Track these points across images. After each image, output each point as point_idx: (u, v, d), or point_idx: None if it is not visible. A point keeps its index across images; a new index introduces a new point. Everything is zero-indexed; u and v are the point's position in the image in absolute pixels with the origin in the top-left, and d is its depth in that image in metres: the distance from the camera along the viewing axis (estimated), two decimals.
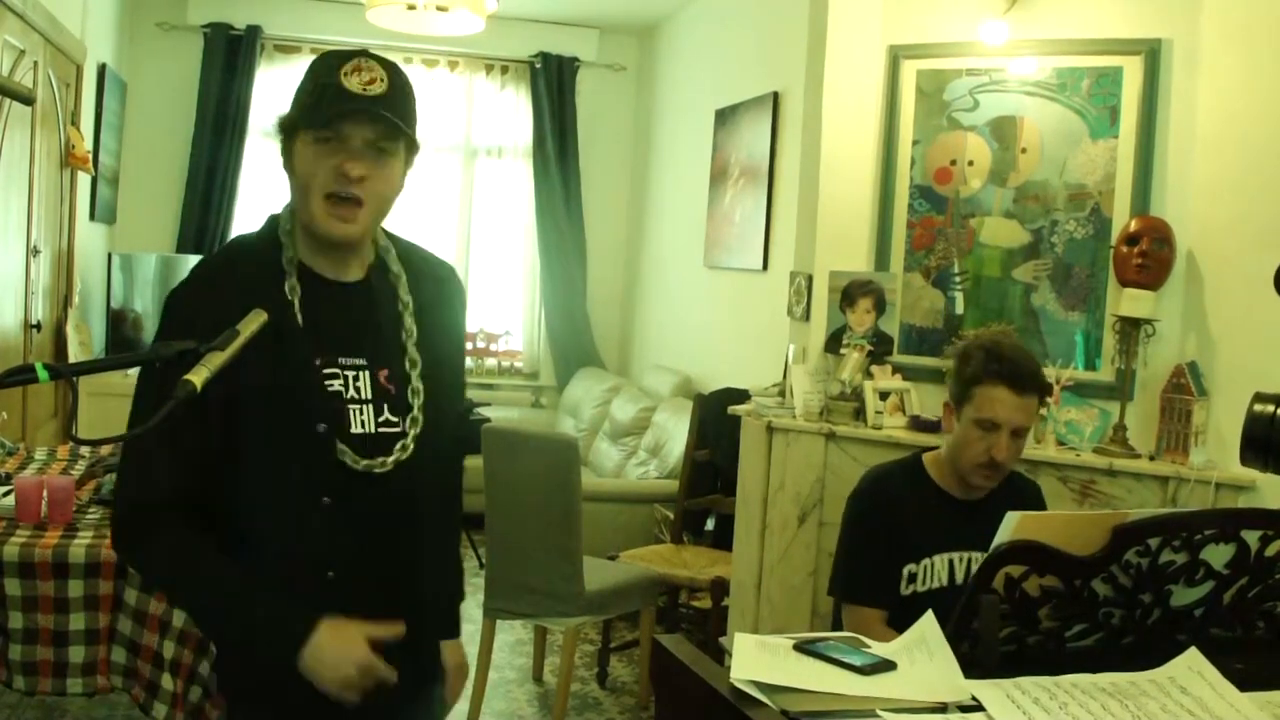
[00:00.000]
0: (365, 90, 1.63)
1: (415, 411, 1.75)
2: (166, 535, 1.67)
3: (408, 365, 1.76)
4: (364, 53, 1.68)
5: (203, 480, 1.67)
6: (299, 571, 1.70)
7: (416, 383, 1.76)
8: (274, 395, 1.65)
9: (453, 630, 1.99)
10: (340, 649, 1.63)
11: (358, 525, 1.72)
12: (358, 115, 1.63)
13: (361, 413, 1.72)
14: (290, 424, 1.67)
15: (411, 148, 1.73)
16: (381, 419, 1.73)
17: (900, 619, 2.40)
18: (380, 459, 1.71)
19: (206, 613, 1.76)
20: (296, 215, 1.73)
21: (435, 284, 1.85)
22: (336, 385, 1.71)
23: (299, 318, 1.69)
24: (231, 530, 1.70)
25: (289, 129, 1.68)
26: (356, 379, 1.72)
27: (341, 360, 1.72)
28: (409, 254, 1.84)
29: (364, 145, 1.65)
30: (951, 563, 2.50)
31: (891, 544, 2.50)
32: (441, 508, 1.90)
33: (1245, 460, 1.77)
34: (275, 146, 1.76)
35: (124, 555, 1.79)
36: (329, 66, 1.66)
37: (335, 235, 1.68)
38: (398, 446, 1.73)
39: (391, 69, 1.69)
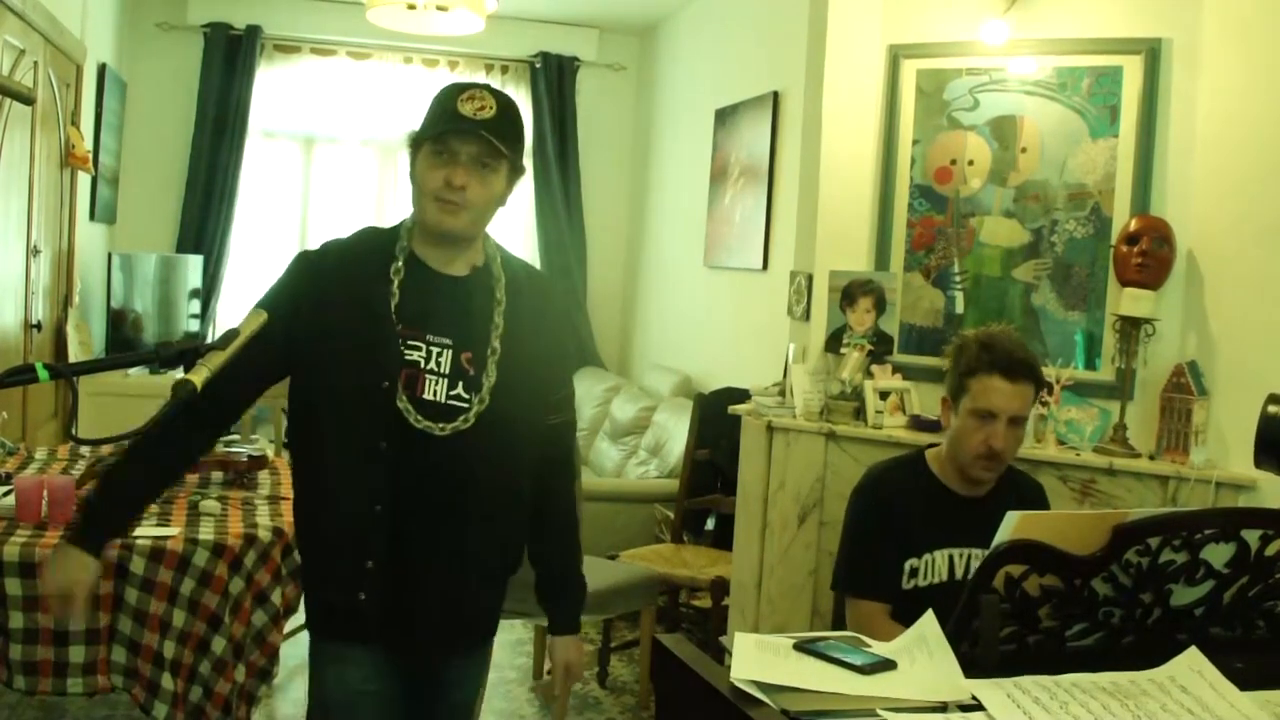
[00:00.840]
0: (475, 115, 1.94)
1: (484, 392, 2.00)
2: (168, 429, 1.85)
3: (489, 352, 2.01)
4: (485, 86, 2.00)
5: (237, 393, 2.03)
6: (353, 502, 1.98)
7: (491, 368, 2.01)
8: (353, 351, 1.96)
9: (565, 626, 2.25)
10: (70, 569, 1.98)
11: (409, 474, 1.98)
12: (464, 135, 1.94)
13: (436, 383, 1.98)
14: (362, 377, 1.96)
15: (515, 169, 2.03)
16: (453, 393, 1.99)
17: (901, 613, 2.40)
18: (440, 424, 1.97)
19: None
20: (415, 215, 2.03)
21: (537, 296, 2.13)
22: (416, 355, 1.98)
23: (395, 295, 1.98)
24: (306, 463, 2.06)
25: (415, 144, 1.99)
26: (440, 355, 2.00)
27: (429, 336, 1.99)
28: (511, 263, 2.13)
29: (469, 159, 1.95)
30: (952, 558, 2.50)
31: (893, 538, 2.51)
32: (510, 497, 2.12)
33: (1260, 463, 1.77)
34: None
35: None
36: (451, 94, 1.97)
37: (442, 228, 1.98)
38: (460, 418, 1.99)
39: (502, 99, 1.99)
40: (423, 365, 1.98)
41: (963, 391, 2.49)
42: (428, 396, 1.97)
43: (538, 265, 7.66)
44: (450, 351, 2.00)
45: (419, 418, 1.96)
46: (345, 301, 1.97)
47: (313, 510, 2.06)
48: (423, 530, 2.01)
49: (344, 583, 2.01)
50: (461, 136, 1.93)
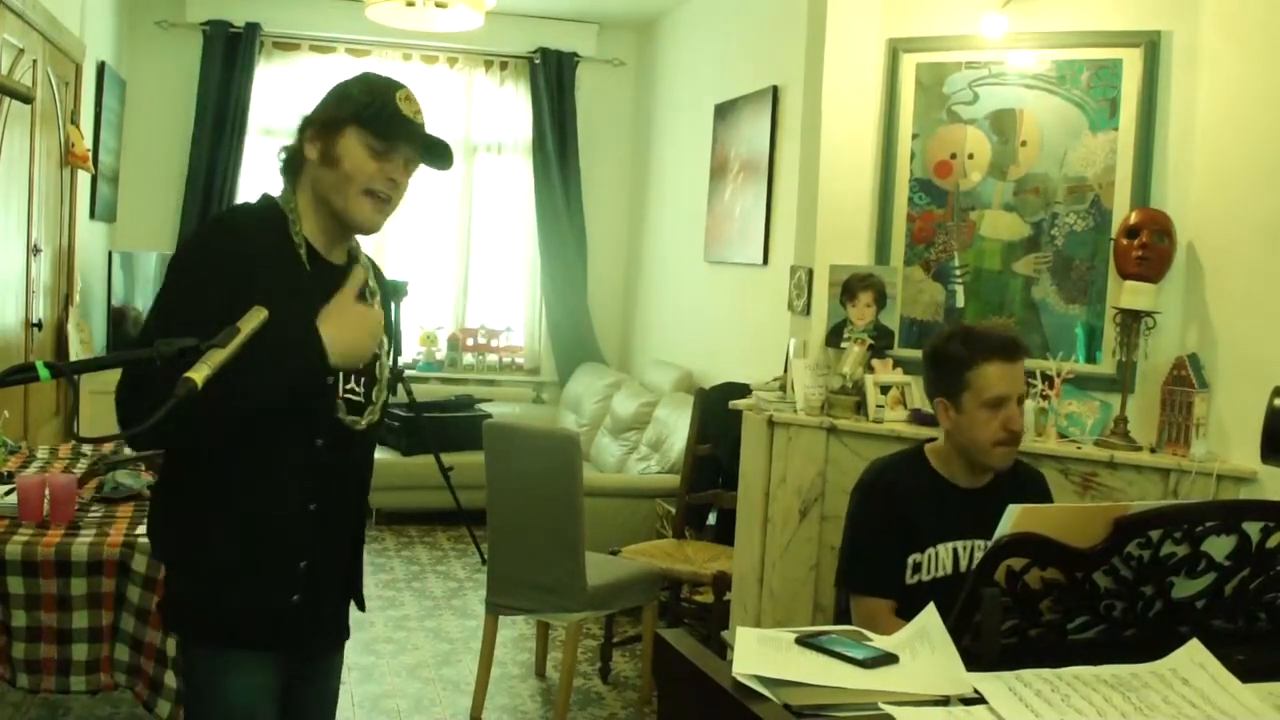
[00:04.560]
0: (416, 118, 1.95)
1: (381, 385, 2.04)
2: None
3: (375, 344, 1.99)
4: (403, 84, 1.99)
5: None
6: (290, 502, 1.93)
7: (384, 358, 2.04)
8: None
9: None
10: (351, 324, 1.89)
11: (335, 470, 1.98)
12: (416, 142, 1.94)
13: (346, 379, 1.98)
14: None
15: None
16: (349, 387, 1.98)
17: (905, 608, 2.40)
18: (355, 418, 1.98)
19: (242, 391, 1.77)
20: (306, 197, 1.96)
21: (380, 279, 2.11)
22: None
23: (308, 281, 1.91)
24: (228, 462, 1.89)
25: (337, 124, 1.92)
26: None
27: None
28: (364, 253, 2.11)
29: (405, 161, 1.95)
30: (956, 551, 2.51)
31: (896, 534, 2.51)
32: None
33: (1266, 458, 1.76)
34: (279, 141, 1.99)
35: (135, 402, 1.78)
36: (385, 86, 1.96)
37: (368, 225, 1.96)
38: (367, 411, 2.01)
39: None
40: None
41: (964, 387, 2.48)
42: (344, 390, 1.97)
43: (538, 264, 7.71)
44: None
45: (345, 413, 1.96)
46: (269, 289, 1.79)
47: (240, 511, 1.91)
48: (338, 527, 2.04)
49: (275, 585, 1.95)
50: (411, 142, 1.94)
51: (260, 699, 1.97)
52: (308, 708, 2.11)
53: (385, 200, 1.94)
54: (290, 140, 2.01)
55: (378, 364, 2.02)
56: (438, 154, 1.98)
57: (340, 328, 1.86)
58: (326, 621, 2.10)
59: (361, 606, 2.23)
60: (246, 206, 2.02)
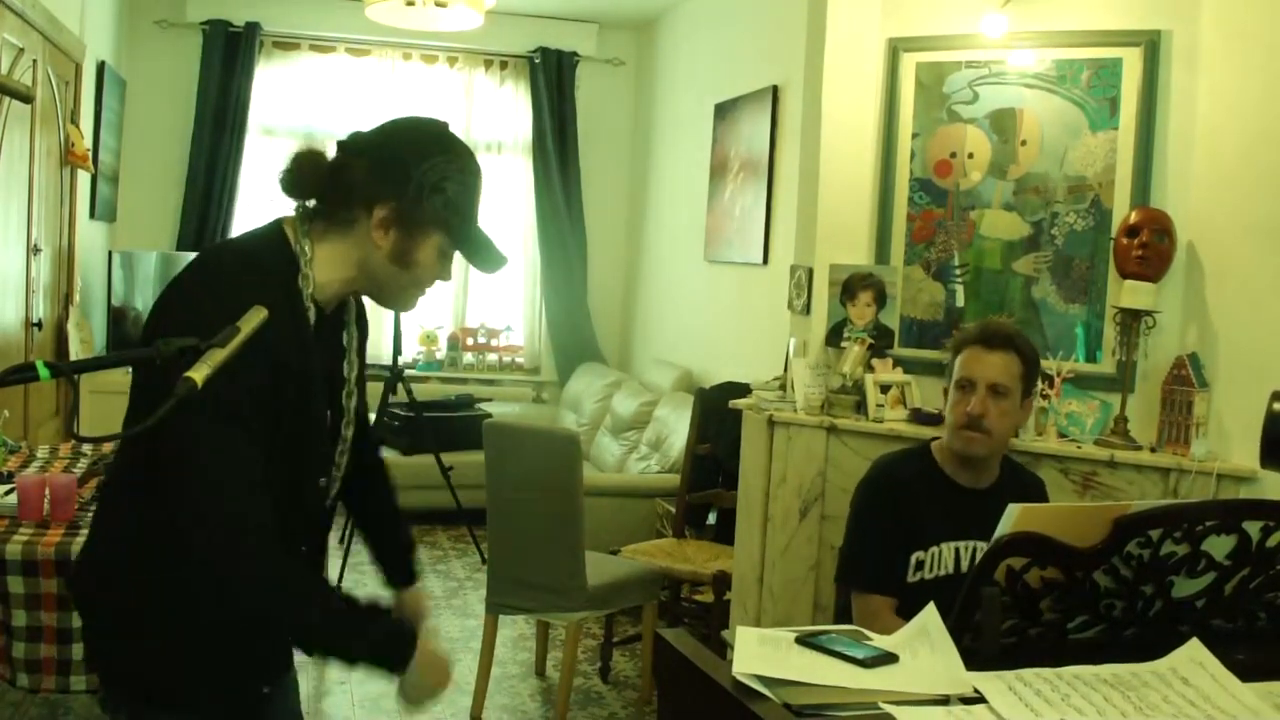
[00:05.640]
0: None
1: (350, 417, 1.85)
2: (279, 557, 1.64)
3: (353, 380, 1.85)
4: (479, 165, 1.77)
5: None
6: (299, 547, 1.80)
7: (354, 389, 1.85)
8: (309, 392, 1.69)
9: (410, 576, 2.12)
10: (438, 661, 1.78)
11: (324, 509, 1.87)
12: (495, 265, 1.81)
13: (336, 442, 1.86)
14: (318, 419, 1.76)
15: None
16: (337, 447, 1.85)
17: (907, 607, 2.40)
18: (339, 449, 1.85)
19: (322, 633, 1.69)
20: (334, 252, 1.70)
21: (361, 318, 1.91)
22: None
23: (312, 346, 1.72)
24: None
25: (424, 225, 1.69)
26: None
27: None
28: None
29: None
30: (958, 551, 2.51)
31: (899, 531, 2.51)
32: None
33: (1266, 463, 1.76)
34: (292, 147, 1.81)
35: (251, 575, 1.62)
36: (478, 181, 1.75)
37: (405, 311, 1.89)
38: (338, 451, 1.85)
39: None
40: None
41: (951, 372, 2.58)
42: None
43: (538, 263, 7.71)
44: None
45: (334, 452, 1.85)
46: (285, 347, 1.62)
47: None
48: (316, 563, 1.95)
49: (271, 658, 1.87)
50: (491, 264, 1.79)
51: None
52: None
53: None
54: (311, 150, 1.72)
55: (353, 401, 1.85)
56: (495, 267, 1.82)
57: (429, 669, 1.76)
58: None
59: None
60: (255, 249, 1.71)
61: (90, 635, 1.83)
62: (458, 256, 1.78)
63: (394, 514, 2.14)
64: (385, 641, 1.72)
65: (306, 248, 1.68)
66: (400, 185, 1.65)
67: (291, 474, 1.70)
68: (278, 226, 1.72)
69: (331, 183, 1.68)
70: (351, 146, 1.70)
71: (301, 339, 1.66)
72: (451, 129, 1.75)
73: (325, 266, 1.70)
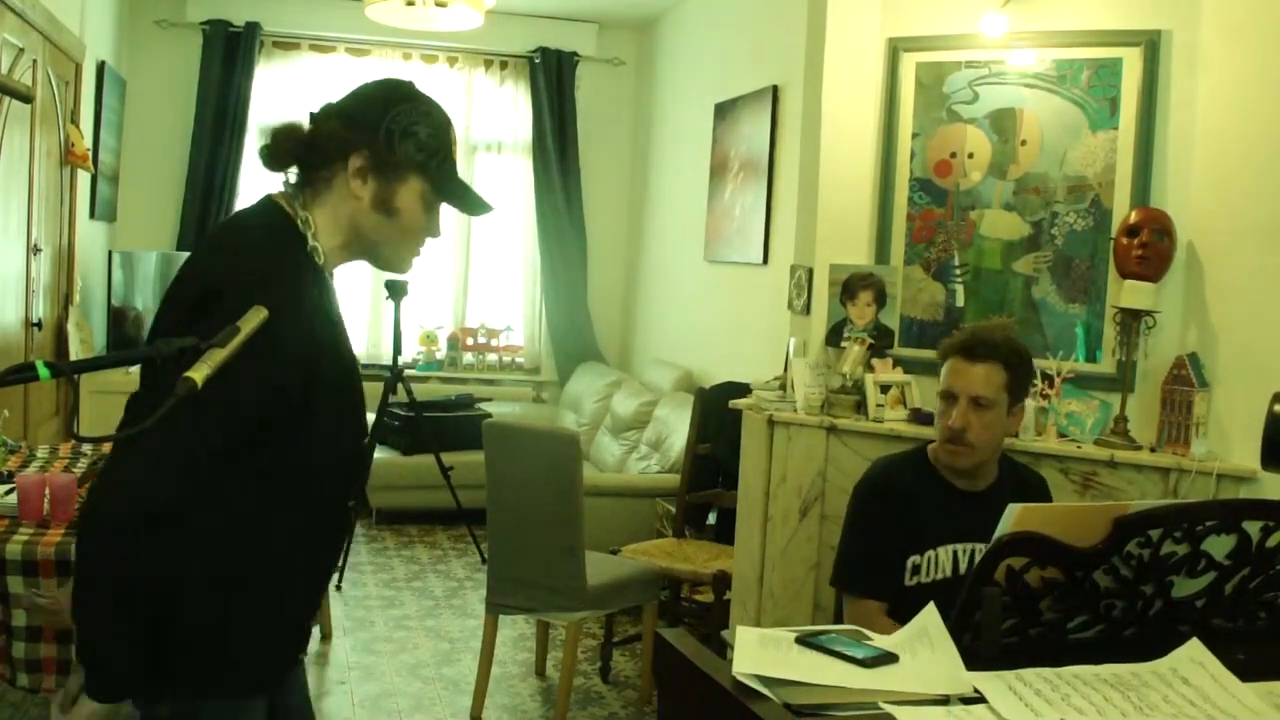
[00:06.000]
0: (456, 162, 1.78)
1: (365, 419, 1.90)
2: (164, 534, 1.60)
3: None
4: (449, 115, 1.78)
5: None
6: (323, 559, 1.82)
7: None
8: (339, 396, 1.71)
9: None
10: None
11: (347, 524, 1.88)
12: (476, 208, 1.81)
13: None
14: (347, 427, 1.77)
15: None
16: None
17: (904, 610, 2.40)
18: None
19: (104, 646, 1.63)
20: (330, 217, 1.73)
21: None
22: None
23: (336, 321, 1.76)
24: (264, 516, 1.69)
25: (399, 169, 1.71)
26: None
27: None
28: None
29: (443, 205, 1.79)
30: (955, 554, 2.50)
31: (895, 534, 2.51)
32: None
33: (1266, 464, 1.76)
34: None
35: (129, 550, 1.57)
36: (446, 125, 1.75)
37: (406, 271, 1.86)
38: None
39: None
40: None
41: (939, 379, 2.56)
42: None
43: (538, 263, 7.71)
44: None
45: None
46: (315, 334, 1.66)
47: (280, 570, 1.73)
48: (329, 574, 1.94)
49: (292, 642, 1.84)
50: (470, 207, 1.80)
51: None
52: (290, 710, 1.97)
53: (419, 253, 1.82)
54: (287, 122, 1.74)
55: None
56: (483, 208, 1.83)
57: None
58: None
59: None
60: (261, 231, 1.72)
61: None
62: (450, 214, 1.80)
63: None
64: (102, 692, 1.61)
65: (308, 217, 1.72)
66: (371, 132, 1.69)
67: (348, 446, 1.76)
68: (271, 202, 1.74)
69: (308, 146, 1.71)
70: (322, 111, 1.75)
71: (329, 310, 1.72)
72: (418, 86, 1.78)
73: (325, 230, 1.73)
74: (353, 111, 1.72)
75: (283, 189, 1.75)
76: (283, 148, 1.72)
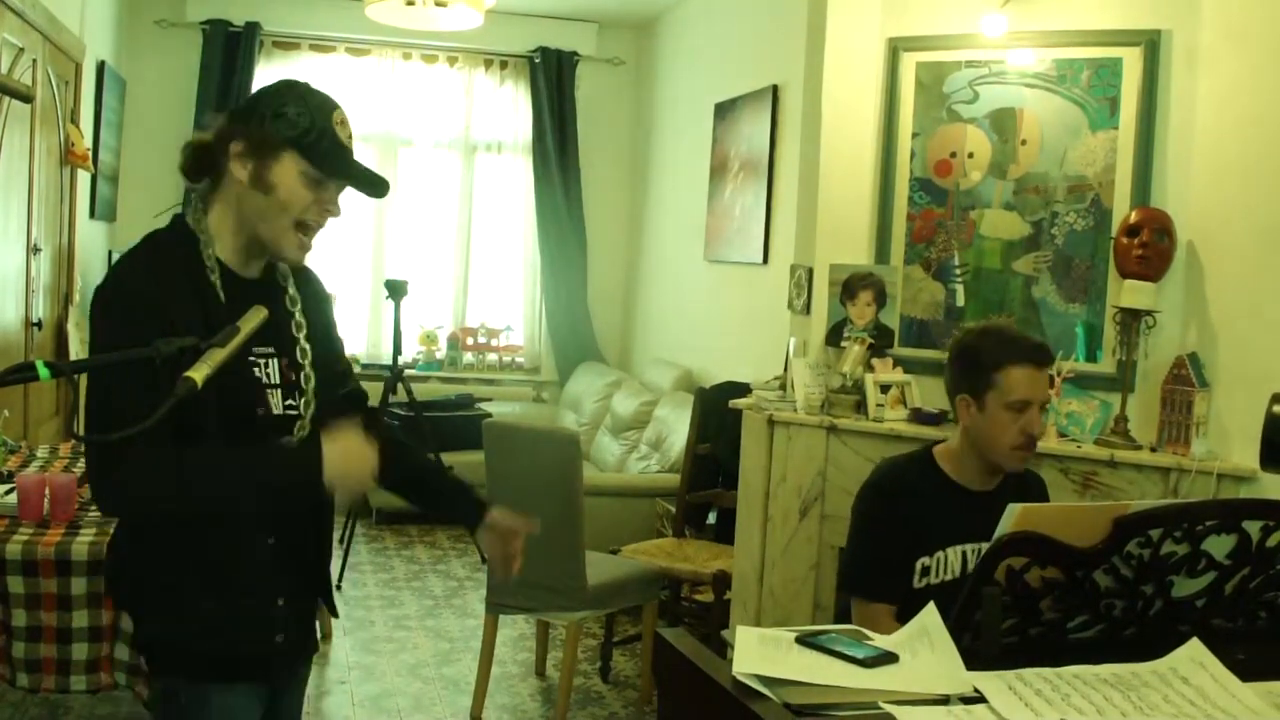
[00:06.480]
0: (349, 144, 1.87)
1: (309, 396, 1.92)
2: (155, 452, 1.71)
3: (299, 355, 1.93)
4: (337, 103, 1.89)
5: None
6: (250, 537, 1.86)
7: (309, 370, 1.93)
8: (222, 381, 1.67)
9: (478, 510, 2.23)
10: (355, 456, 1.80)
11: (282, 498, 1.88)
12: (359, 180, 1.87)
13: (273, 396, 1.88)
14: (236, 408, 1.81)
15: None
16: (287, 403, 1.90)
17: (914, 613, 2.39)
18: (286, 438, 1.88)
19: (232, 487, 1.79)
20: (223, 213, 1.85)
21: (308, 283, 2.02)
22: (258, 372, 1.87)
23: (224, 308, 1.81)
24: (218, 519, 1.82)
25: (272, 146, 1.80)
26: (268, 366, 1.88)
27: (256, 349, 1.85)
28: None
29: (337, 188, 1.88)
30: (965, 554, 2.49)
31: (903, 537, 2.49)
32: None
33: (1266, 465, 1.76)
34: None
35: (114, 483, 1.74)
36: (322, 107, 1.85)
37: (294, 258, 1.89)
38: (296, 427, 1.90)
39: None
40: (263, 381, 1.87)
41: (989, 386, 2.45)
42: (275, 412, 1.87)
43: (538, 263, 7.71)
44: (274, 360, 1.89)
45: (274, 437, 1.87)
46: (188, 323, 1.71)
47: (203, 552, 1.82)
48: (303, 553, 1.97)
49: (257, 626, 1.88)
50: (354, 179, 1.87)
51: None
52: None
53: (315, 230, 1.87)
54: (195, 135, 1.88)
55: (302, 375, 1.92)
56: (375, 186, 1.90)
57: (345, 457, 1.79)
58: (305, 645, 2.06)
59: (334, 612, 2.23)
60: (157, 236, 1.88)
61: (134, 621, 1.97)
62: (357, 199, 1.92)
63: (427, 463, 2.26)
64: (291, 466, 1.81)
65: (201, 220, 1.85)
66: (246, 119, 1.83)
67: (229, 407, 1.79)
68: (176, 217, 1.90)
69: (208, 150, 1.85)
70: (213, 118, 1.89)
71: (206, 306, 1.78)
72: (310, 84, 1.89)
73: (220, 230, 1.85)
74: (238, 107, 1.88)
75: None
76: (193, 159, 1.87)
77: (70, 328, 5.37)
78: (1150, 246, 3.40)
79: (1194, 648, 1.45)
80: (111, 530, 1.93)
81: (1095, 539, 1.47)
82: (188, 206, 1.88)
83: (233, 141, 1.81)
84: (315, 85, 1.90)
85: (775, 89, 5.57)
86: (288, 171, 1.81)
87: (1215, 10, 3.38)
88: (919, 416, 3.61)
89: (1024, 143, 3.72)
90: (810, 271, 4.04)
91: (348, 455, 1.79)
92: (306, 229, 1.85)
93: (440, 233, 7.61)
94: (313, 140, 1.81)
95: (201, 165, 1.86)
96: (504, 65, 7.65)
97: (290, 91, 1.85)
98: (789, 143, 5.29)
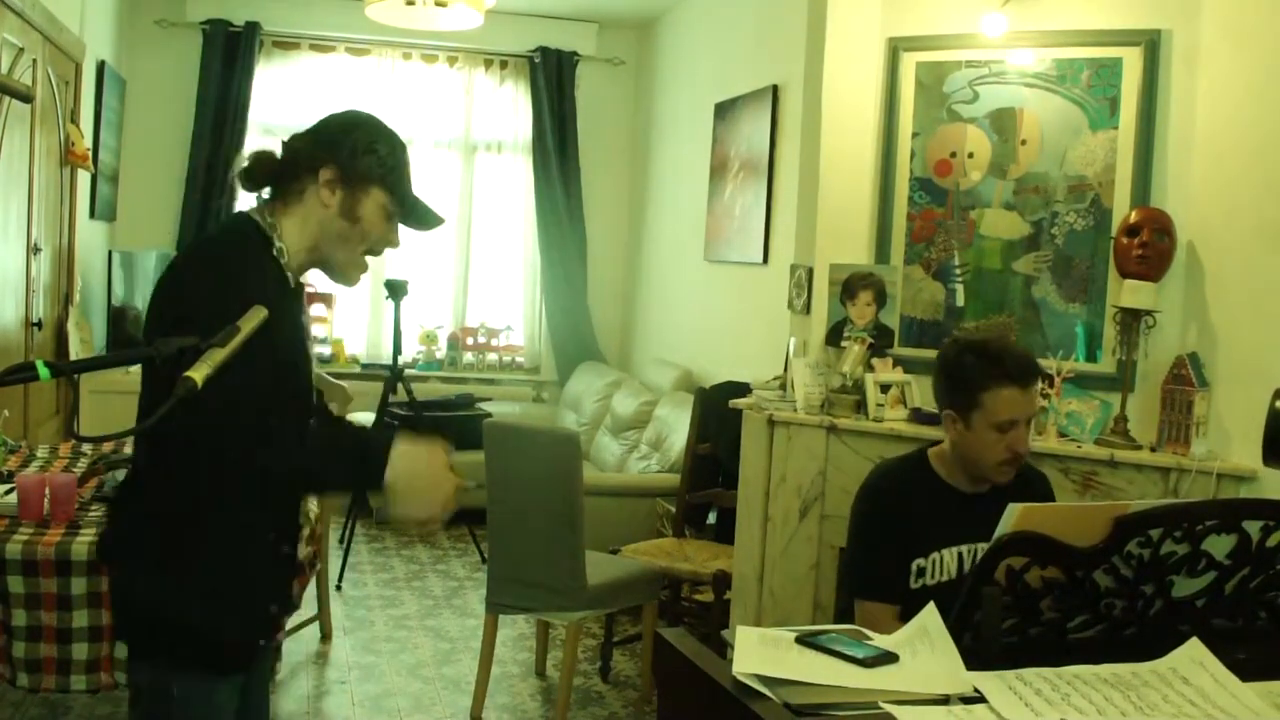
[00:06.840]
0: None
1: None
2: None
3: (304, 359, 2.05)
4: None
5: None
6: (275, 545, 2.01)
7: (309, 374, 2.07)
8: (285, 376, 1.90)
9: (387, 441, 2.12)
10: (425, 485, 2.04)
11: (296, 507, 2.13)
12: (430, 223, 2.03)
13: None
14: (291, 406, 1.96)
15: None
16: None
17: (910, 613, 2.40)
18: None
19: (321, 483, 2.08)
20: (295, 224, 1.94)
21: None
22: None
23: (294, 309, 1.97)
24: (218, 498, 1.88)
25: (365, 181, 1.92)
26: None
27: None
28: None
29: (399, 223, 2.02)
30: (960, 555, 2.50)
31: (899, 539, 2.50)
32: None
33: (1268, 461, 1.76)
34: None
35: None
36: (403, 148, 1.99)
37: (353, 282, 2.03)
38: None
39: None
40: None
41: (975, 406, 2.45)
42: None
43: (538, 262, 7.71)
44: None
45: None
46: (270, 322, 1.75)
47: (231, 552, 1.91)
48: (294, 560, 2.14)
49: (252, 627, 2.00)
50: (426, 222, 2.02)
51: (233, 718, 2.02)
52: (250, 707, 2.12)
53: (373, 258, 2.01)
54: (269, 144, 1.99)
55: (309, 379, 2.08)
56: (433, 225, 2.05)
57: (412, 478, 1.99)
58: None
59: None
60: (233, 228, 1.98)
61: (121, 601, 2.01)
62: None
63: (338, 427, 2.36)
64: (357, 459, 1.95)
65: (275, 224, 1.94)
66: (337, 150, 1.92)
67: (288, 409, 1.94)
68: (244, 216, 1.97)
69: (281, 167, 1.94)
70: (294, 137, 1.99)
71: (283, 305, 1.87)
72: (379, 117, 2.02)
73: (292, 236, 1.95)
74: (322, 133, 1.96)
75: (255, 204, 1.97)
76: (262, 170, 1.95)
77: (70, 327, 5.37)
78: (1150, 246, 3.40)
79: (1194, 648, 1.45)
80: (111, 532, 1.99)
81: (1095, 539, 1.47)
82: (262, 208, 1.96)
83: (324, 169, 1.91)
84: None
85: (775, 89, 5.57)
86: (374, 204, 1.94)
87: (1215, 10, 3.38)
88: (919, 416, 3.61)
89: (1024, 143, 3.72)
90: (810, 271, 4.04)
91: (415, 475, 1.99)
92: (371, 255, 1.99)
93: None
94: (396, 179, 1.96)
95: (265, 176, 1.95)
96: (504, 65, 7.65)
97: (377, 129, 1.97)
98: (789, 143, 5.29)
